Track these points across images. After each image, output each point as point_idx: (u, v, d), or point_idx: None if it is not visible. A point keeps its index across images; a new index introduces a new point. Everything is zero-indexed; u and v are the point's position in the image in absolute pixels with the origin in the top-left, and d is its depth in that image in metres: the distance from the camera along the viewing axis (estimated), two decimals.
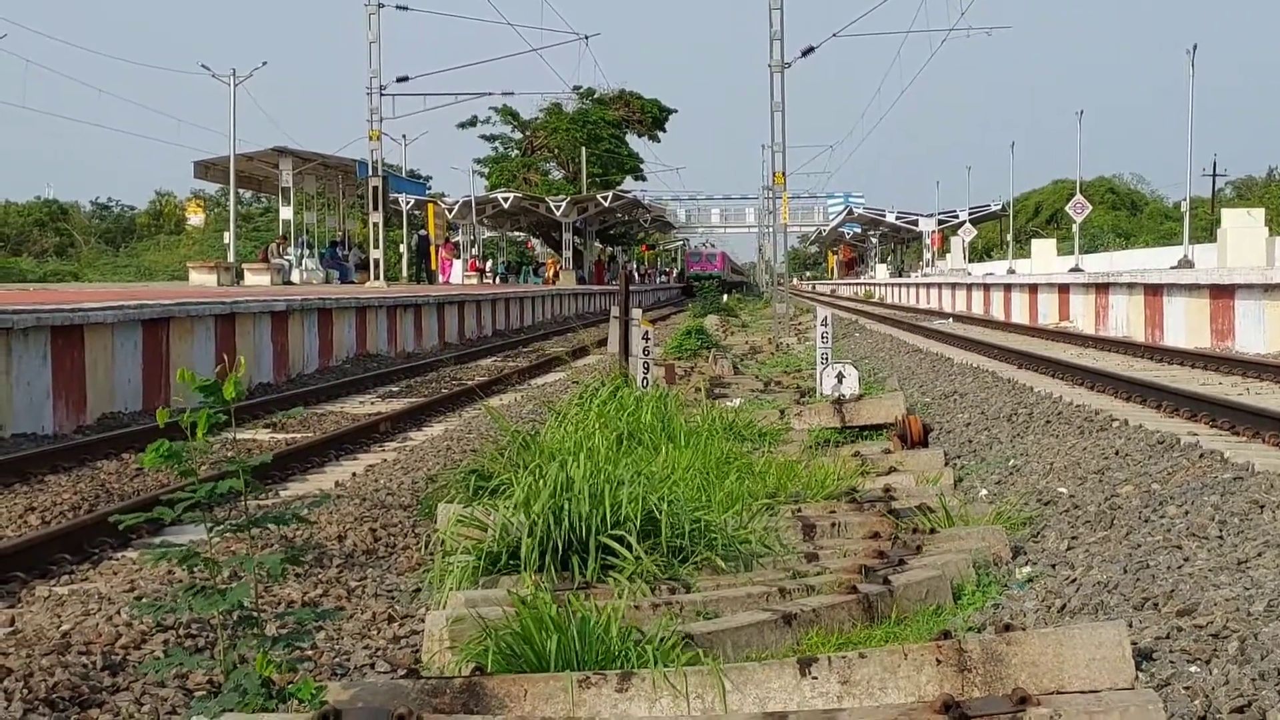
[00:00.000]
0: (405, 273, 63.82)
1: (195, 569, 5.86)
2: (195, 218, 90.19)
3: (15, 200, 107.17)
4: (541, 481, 8.20)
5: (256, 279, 45.65)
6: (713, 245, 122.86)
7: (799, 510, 9.51)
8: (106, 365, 18.02)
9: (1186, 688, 5.42)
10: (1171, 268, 37.37)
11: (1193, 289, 29.74)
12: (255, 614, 5.82)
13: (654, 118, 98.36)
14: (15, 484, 11.91)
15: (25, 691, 5.58)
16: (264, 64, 61.91)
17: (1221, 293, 27.60)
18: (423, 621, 6.84)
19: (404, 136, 74.81)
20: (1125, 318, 34.43)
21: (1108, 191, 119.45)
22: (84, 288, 41.90)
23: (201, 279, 42.06)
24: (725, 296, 65.73)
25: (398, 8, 50.84)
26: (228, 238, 57.17)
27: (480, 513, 8.46)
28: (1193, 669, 5.64)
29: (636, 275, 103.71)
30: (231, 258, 52.40)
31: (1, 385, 15.69)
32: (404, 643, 6.92)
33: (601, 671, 5.55)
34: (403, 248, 67.98)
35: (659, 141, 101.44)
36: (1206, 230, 61.14)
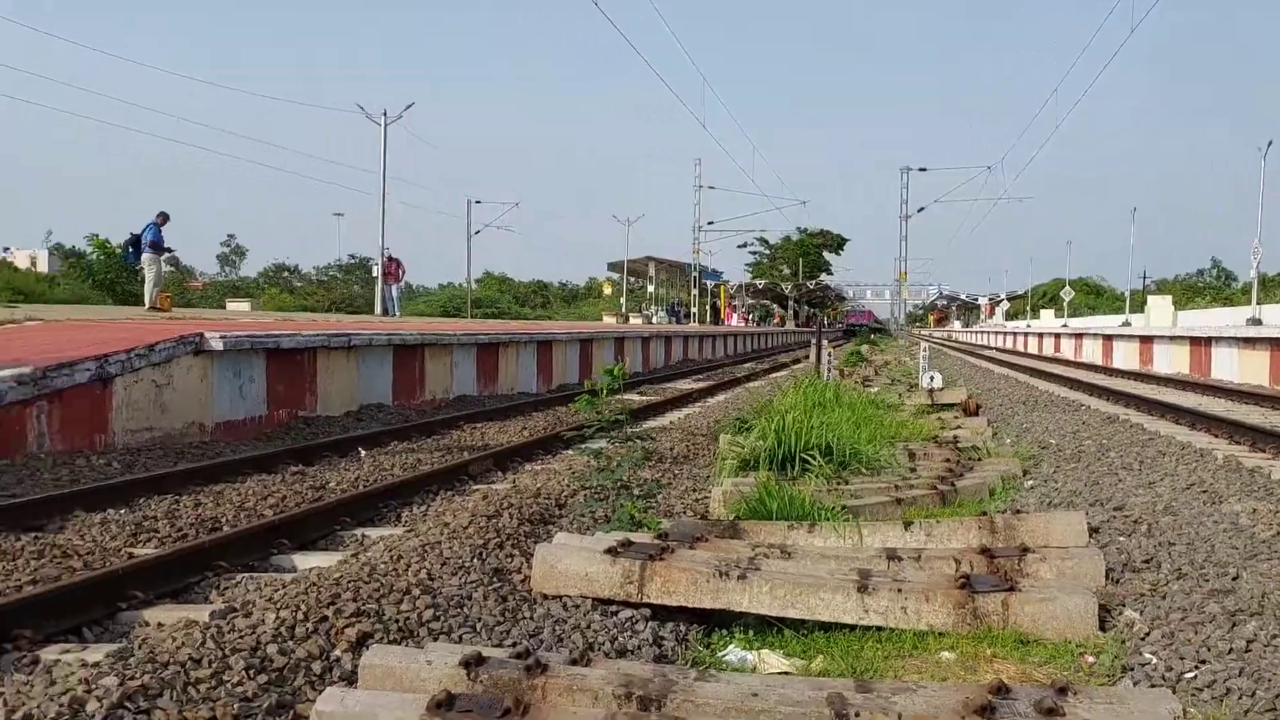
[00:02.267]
0: (707, 319, 63.88)
1: (600, 459, 6.02)
2: (607, 290, 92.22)
3: (520, 279, 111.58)
4: (770, 425, 8.14)
5: (635, 320, 46.66)
6: (863, 308, 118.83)
7: (907, 445, 9.18)
8: (563, 360, 18.64)
9: (1117, 548, 5.07)
10: (1122, 325, 34.76)
11: (1128, 337, 27.57)
12: (628, 484, 5.95)
13: (837, 241, 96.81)
14: (519, 417, 12.37)
15: (519, 514, 5.83)
16: (642, 215, 63.05)
17: (1147, 340, 25.55)
18: (709, 493, 6.86)
19: (710, 252, 75.18)
20: (1095, 350, 32.19)
21: (1082, 284, 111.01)
22: (553, 323, 43.36)
23: (609, 320, 43.34)
24: (872, 336, 63.90)
25: (710, 188, 51.51)
26: (622, 300, 58.51)
27: (740, 439, 8.45)
28: (1120, 539, 5.27)
29: (825, 323, 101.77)
30: (624, 310, 53.63)
31: (514, 369, 16.41)
32: (700, 503, 6.94)
33: (799, 522, 5.49)
34: (706, 307, 68.25)
35: (840, 254, 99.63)
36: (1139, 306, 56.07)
